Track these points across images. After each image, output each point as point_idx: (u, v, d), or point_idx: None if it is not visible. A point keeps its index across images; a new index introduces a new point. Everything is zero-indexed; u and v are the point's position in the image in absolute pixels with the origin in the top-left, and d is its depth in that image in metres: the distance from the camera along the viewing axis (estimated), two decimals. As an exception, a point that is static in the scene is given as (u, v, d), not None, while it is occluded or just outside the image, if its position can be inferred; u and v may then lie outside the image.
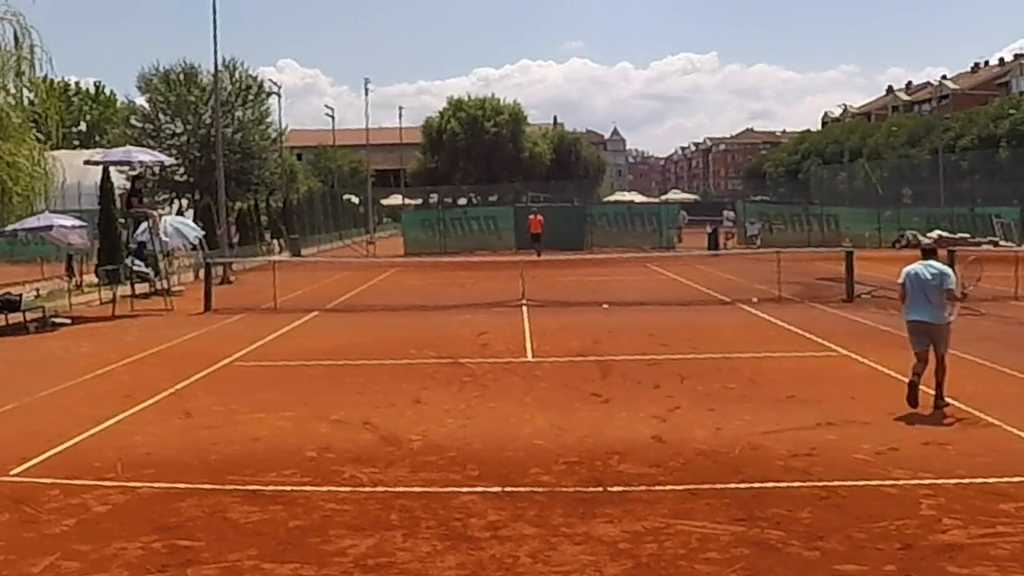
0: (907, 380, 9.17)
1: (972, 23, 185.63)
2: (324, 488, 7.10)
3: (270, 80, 53.61)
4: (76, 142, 63.76)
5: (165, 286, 22.13)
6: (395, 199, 70.59)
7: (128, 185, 25.87)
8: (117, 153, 28.57)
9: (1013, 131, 52.40)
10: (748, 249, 36.65)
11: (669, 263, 30.12)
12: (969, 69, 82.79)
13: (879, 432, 8.35)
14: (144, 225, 23.76)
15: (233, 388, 11.18)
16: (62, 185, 20.46)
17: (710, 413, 9.25)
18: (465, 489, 7.01)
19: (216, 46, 36.90)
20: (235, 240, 33.45)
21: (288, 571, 5.52)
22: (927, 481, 6.93)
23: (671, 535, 5.95)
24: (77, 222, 21.37)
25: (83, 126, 72.05)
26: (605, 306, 18.83)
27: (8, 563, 5.70)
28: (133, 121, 51.51)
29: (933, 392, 9.13)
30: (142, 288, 22.05)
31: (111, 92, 72.65)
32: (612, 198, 71.80)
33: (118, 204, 25.44)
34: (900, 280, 9.53)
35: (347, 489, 7.08)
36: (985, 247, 28.78)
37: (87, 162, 26.50)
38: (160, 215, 26.81)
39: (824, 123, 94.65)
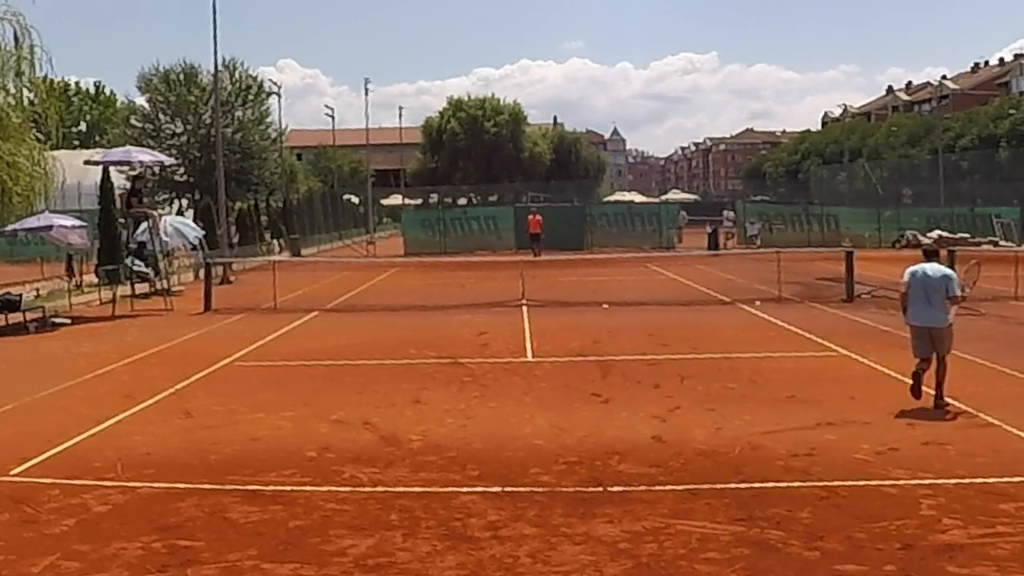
0: (909, 377, 9.22)
1: (972, 23, 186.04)
2: (324, 488, 7.10)
3: (270, 80, 53.72)
4: (76, 142, 63.76)
5: (165, 286, 22.12)
6: (395, 199, 70.60)
7: (128, 185, 25.88)
8: (117, 153, 28.55)
9: (1013, 131, 52.39)
10: (748, 249, 36.62)
11: (669, 263, 30.10)
12: (969, 69, 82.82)
13: (879, 432, 8.35)
14: (144, 225, 23.76)
15: (233, 388, 11.18)
16: (62, 185, 20.46)
17: (710, 413, 9.25)
18: (465, 489, 7.01)
19: (216, 46, 36.95)
20: (235, 240, 33.42)
21: (288, 571, 5.52)
22: (927, 481, 6.93)
23: (671, 535, 5.95)
24: (77, 222, 21.38)
25: (83, 126, 72.04)
26: (605, 306, 18.83)
27: (8, 563, 5.70)
28: (133, 121, 51.49)
29: (933, 392, 9.14)
30: (142, 288, 22.04)
31: (111, 92, 72.88)
32: (612, 198, 71.80)
33: (118, 204, 25.42)
34: (904, 279, 9.54)
35: (347, 489, 7.08)
36: (985, 247, 28.81)
37: (87, 162, 26.49)
38: (160, 215, 26.80)
39: (824, 123, 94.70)
